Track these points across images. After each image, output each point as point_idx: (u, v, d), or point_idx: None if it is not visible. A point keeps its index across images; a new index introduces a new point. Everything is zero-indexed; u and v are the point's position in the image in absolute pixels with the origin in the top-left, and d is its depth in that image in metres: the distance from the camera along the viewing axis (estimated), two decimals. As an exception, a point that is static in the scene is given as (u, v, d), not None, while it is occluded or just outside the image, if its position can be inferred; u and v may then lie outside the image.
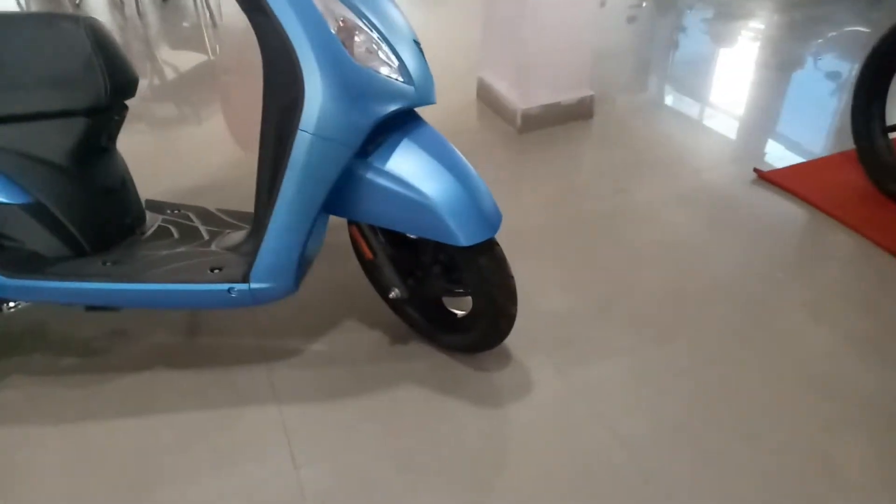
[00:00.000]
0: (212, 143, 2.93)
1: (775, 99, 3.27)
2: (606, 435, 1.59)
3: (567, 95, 2.89)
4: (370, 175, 1.44)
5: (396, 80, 1.43)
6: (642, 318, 1.93)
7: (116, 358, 1.83)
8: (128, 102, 1.63)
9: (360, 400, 1.70)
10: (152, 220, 1.77)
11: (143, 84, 3.64)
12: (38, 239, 1.51)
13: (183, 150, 2.90)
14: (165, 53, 4.09)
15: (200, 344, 1.88)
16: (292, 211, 1.42)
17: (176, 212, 1.84)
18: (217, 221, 1.79)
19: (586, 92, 2.94)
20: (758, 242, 2.23)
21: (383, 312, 1.94)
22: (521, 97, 2.81)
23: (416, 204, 1.43)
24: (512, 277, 1.58)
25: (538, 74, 2.78)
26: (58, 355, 1.84)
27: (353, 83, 1.36)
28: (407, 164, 1.44)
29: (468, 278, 1.55)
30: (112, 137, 1.64)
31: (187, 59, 3.95)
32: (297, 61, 1.31)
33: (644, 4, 4.77)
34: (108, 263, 1.55)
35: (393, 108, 1.41)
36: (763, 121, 3.05)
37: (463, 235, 1.43)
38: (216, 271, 1.53)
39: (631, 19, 4.54)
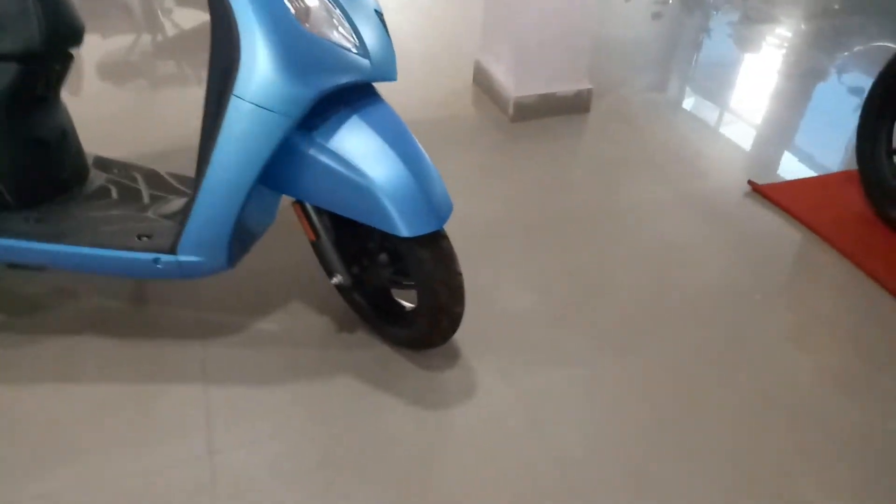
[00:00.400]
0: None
1: (791, 110, 3.11)
2: (541, 451, 1.49)
3: (564, 87, 2.76)
4: (312, 151, 1.34)
5: (349, 50, 1.32)
6: (606, 329, 1.82)
7: (52, 319, 1.75)
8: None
9: (292, 386, 1.61)
10: (95, 179, 1.68)
11: (145, 39, 3.55)
12: None
13: (173, 109, 2.81)
14: (171, 9, 3.99)
15: (139, 312, 1.79)
16: (223, 183, 1.32)
17: (123, 172, 1.75)
18: (164, 186, 1.69)
19: (584, 85, 2.80)
20: (743, 259, 2.11)
21: (333, 296, 1.85)
22: (515, 84, 2.69)
23: (356, 186, 1.32)
24: (460, 275, 1.47)
25: (535, 62, 2.65)
26: (-9, 310, 1.77)
27: (297, 50, 1.25)
28: (352, 143, 1.34)
29: (412, 271, 1.45)
30: (52, 87, 1.55)
31: (193, 17, 3.85)
32: (234, 20, 1.20)
33: (671, 1, 4.59)
34: (32, 221, 1.46)
35: (342, 81, 1.31)
36: (773, 131, 2.91)
37: (405, 225, 1.33)
38: (144, 239, 1.44)
39: (656, 15, 4.37)
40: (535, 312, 1.86)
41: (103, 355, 1.66)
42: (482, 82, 2.99)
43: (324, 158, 1.33)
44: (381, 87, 3.19)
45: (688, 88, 3.30)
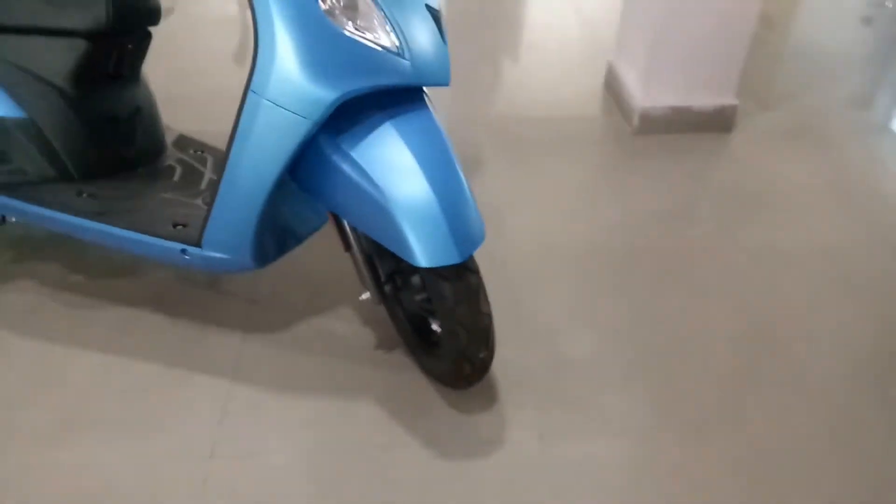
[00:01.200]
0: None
1: None
2: (559, 536, 1.27)
3: (702, 100, 2.39)
4: (335, 157, 1.22)
5: (388, 50, 1.17)
6: (679, 396, 1.53)
7: (122, 285, 1.81)
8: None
9: (314, 402, 1.52)
10: (169, 158, 1.70)
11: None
12: (26, 157, 1.49)
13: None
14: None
15: (200, 292, 1.80)
16: (242, 181, 1.25)
17: (198, 153, 1.75)
18: None
19: (729, 100, 2.41)
20: (887, 332, 1.68)
21: (382, 310, 1.73)
22: (643, 93, 2.37)
23: (373, 202, 1.18)
24: (487, 315, 1.29)
25: (670, 69, 2.31)
26: (71, 271, 1.86)
27: (321, 46, 1.12)
28: (377, 154, 1.20)
29: (434, 305, 1.29)
30: (128, 65, 1.56)
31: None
32: (253, 10, 1.10)
33: (889, 5, 3.87)
34: (84, 195, 1.50)
35: (373, 83, 1.16)
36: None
37: (422, 254, 1.16)
38: (179, 227, 1.41)
39: (866, 20, 3.72)
40: (599, 364, 1.61)
41: (152, 331, 1.69)
42: (612, 86, 2.69)
43: (345, 167, 1.20)
44: (505, 79, 2.97)
45: (883, 113, 2.74)
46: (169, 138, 1.77)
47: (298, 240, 1.52)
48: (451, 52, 1.30)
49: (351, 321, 1.72)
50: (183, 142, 1.79)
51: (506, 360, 1.61)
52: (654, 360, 1.62)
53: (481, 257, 1.92)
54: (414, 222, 1.16)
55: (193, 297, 1.79)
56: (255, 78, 1.14)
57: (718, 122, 2.43)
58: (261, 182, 1.23)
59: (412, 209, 1.16)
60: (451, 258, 1.17)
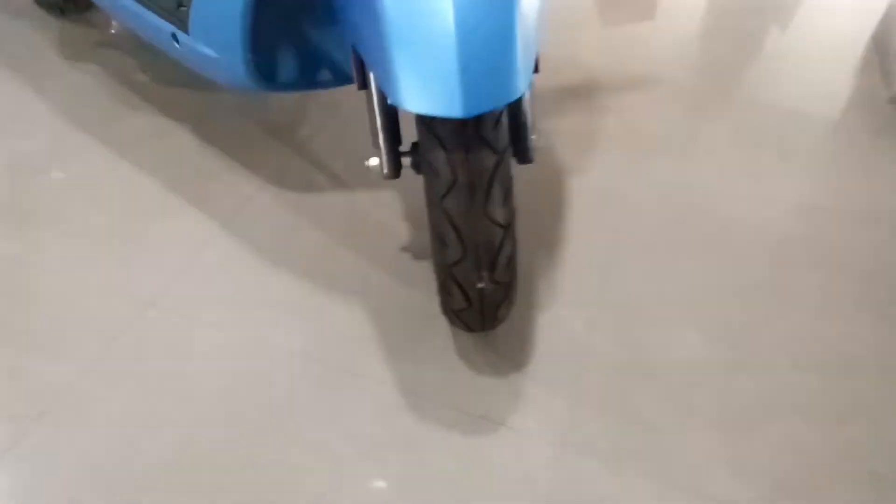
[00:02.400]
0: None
1: None
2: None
3: None
4: None
5: None
6: (765, 470, 0.95)
7: (176, 97, 1.59)
8: None
9: (295, 280, 1.20)
10: None
11: None
12: None
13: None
14: None
15: (248, 128, 1.52)
16: None
17: None
18: None
19: None
20: None
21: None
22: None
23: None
24: (500, 227, 0.83)
25: None
26: (145, 74, 1.68)
27: None
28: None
29: (425, 184, 0.85)
30: None
31: None
32: None
33: None
34: None
35: None
36: None
37: (409, 91, 0.73)
38: (182, 8, 1.09)
39: None
40: (687, 381, 1.07)
41: (180, 150, 1.45)
42: (881, 38, 1.90)
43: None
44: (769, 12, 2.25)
45: None
46: None
47: (324, 81, 1.16)
48: None
49: (389, 209, 1.34)
50: None
51: (567, 325, 1.14)
52: (766, 402, 1.04)
53: (603, 189, 1.39)
54: (412, 45, 0.73)
55: (241, 128, 1.52)
56: None
57: None
58: None
59: (416, 25, 0.72)
60: (451, 109, 0.71)
